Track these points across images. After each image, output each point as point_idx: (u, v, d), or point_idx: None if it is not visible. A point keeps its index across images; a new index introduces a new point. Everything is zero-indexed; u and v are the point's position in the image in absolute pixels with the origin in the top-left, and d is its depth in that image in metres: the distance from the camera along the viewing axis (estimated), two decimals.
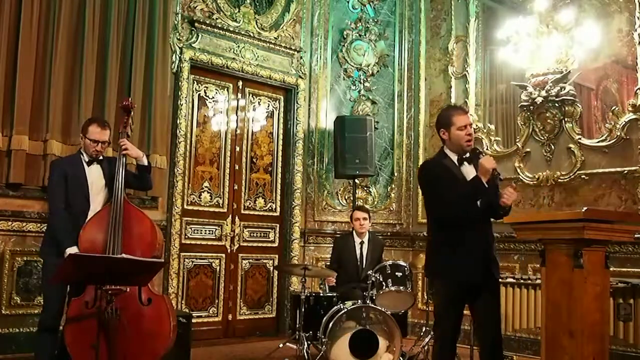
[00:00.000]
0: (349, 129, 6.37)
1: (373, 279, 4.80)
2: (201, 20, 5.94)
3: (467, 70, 6.50)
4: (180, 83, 5.79)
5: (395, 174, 7.07)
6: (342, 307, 4.59)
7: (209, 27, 6.00)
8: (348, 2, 7.13)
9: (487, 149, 6.09)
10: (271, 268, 6.45)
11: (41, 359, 3.73)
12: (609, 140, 5.25)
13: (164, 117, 5.58)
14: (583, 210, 2.92)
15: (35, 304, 4.74)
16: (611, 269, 3.21)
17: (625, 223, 3.26)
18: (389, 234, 6.88)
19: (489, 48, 6.37)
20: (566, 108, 5.49)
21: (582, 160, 5.41)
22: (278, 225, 6.58)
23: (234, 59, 6.18)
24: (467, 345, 4.73)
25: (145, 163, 4.05)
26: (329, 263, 5.78)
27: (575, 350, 2.91)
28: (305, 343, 4.62)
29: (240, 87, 6.38)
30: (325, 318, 4.61)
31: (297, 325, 4.70)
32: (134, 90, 5.32)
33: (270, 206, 6.54)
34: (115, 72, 5.25)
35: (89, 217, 3.73)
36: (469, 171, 3.30)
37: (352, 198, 6.66)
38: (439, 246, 3.35)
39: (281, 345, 5.00)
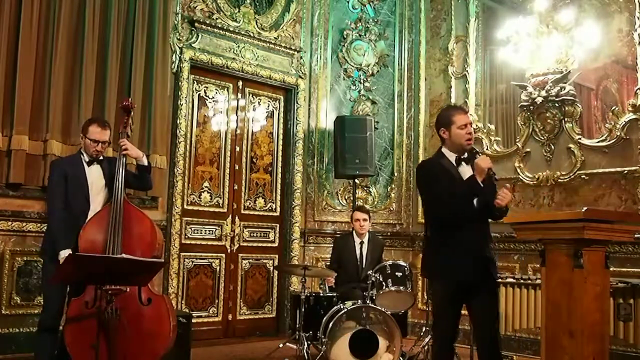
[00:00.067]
0: (349, 129, 6.37)
1: (373, 279, 4.80)
2: (201, 20, 5.94)
3: (467, 70, 6.50)
4: (180, 83, 5.79)
5: (395, 174, 7.06)
6: (342, 307, 4.59)
7: (209, 27, 6.00)
8: (348, 2, 7.12)
9: (487, 149, 6.09)
10: (271, 268, 6.44)
11: (41, 359, 3.74)
12: (609, 140, 5.25)
13: (164, 117, 5.58)
14: (583, 210, 2.91)
15: (35, 304, 4.74)
16: (611, 269, 3.20)
17: (625, 223, 3.26)
18: (389, 234, 6.88)
19: (489, 48, 6.37)
20: (566, 108, 5.49)
21: (582, 160, 5.41)
22: (278, 225, 6.58)
23: (234, 59, 6.17)
24: (467, 345, 4.72)
25: (145, 163, 4.06)
26: (329, 263, 5.78)
27: (575, 350, 2.90)
28: (305, 343, 4.62)
29: (240, 87, 6.38)
30: (325, 318, 4.61)
31: (297, 325, 4.70)
32: (134, 90, 5.32)
33: (270, 206, 6.54)
34: (115, 72, 5.25)
35: (89, 217, 3.73)
36: (466, 171, 3.30)
37: (352, 198, 6.66)
38: (437, 246, 3.35)
39: (281, 345, 5.00)
